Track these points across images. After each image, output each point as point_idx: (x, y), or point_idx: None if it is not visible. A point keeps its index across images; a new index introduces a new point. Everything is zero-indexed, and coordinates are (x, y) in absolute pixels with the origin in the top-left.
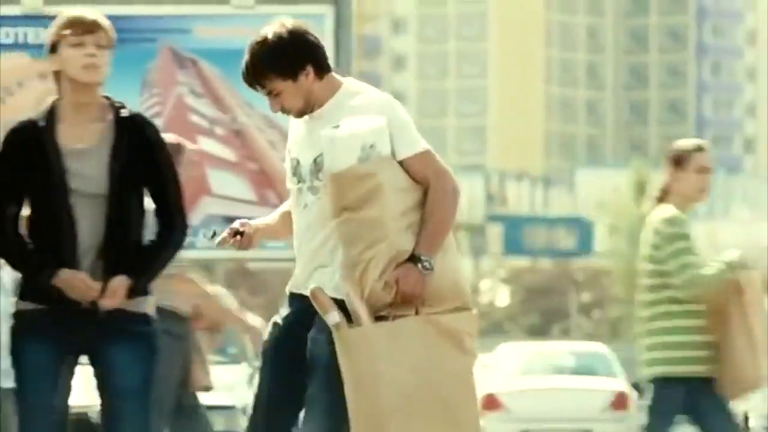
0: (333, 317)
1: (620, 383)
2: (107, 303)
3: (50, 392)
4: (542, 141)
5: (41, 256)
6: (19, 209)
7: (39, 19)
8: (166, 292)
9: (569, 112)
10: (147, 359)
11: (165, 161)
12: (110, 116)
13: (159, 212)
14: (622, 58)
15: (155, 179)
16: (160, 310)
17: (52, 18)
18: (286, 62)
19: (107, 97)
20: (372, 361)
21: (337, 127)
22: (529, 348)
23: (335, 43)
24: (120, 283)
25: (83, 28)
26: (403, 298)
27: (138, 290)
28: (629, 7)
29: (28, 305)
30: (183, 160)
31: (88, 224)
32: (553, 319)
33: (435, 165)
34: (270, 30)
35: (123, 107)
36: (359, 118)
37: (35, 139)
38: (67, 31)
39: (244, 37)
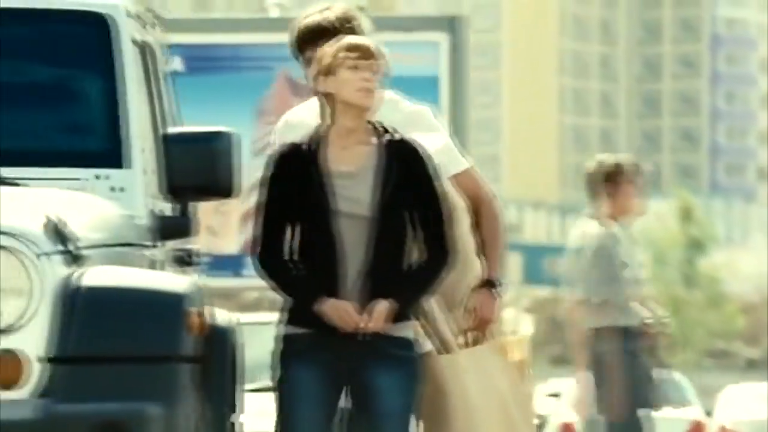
0: (426, 345)
1: (696, 411)
2: (370, 327)
3: (323, 420)
4: (556, 170)
5: (308, 280)
6: (287, 232)
7: None
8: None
9: (582, 141)
10: (410, 384)
11: (433, 186)
12: (377, 140)
13: (427, 237)
14: (636, 87)
15: (423, 204)
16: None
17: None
18: None
19: (373, 123)
20: (464, 389)
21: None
22: None
23: (451, 69)
24: (383, 307)
25: (362, 53)
26: (480, 324)
27: (401, 315)
28: (642, 35)
29: (294, 329)
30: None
31: (355, 247)
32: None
33: (484, 184)
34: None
35: (391, 131)
36: (429, 135)
37: (302, 162)
38: (346, 55)
39: None
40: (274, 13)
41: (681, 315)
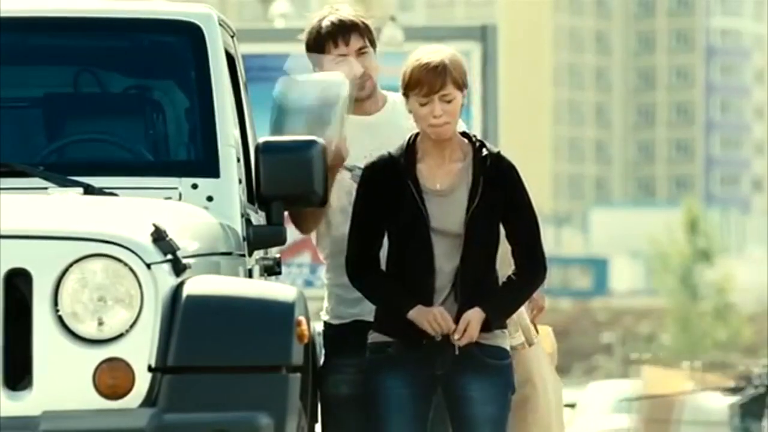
0: (519, 337)
1: None
2: (461, 339)
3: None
4: (551, 180)
5: (400, 290)
6: (380, 246)
7: None
8: None
9: (577, 152)
10: (502, 392)
11: (523, 199)
12: (470, 155)
13: (518, 249)
14: (631, 98)
15: (514, 217)
16: None
17: None
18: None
19: (466, 135)
20: (544, 381)
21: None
22: (618, 386)
23: (482, 79)
24: (472, 317)
25: (429, 88)
26: (536, 314)
27: (492, 325)
28: (637, 46)
29: (380, 337)
30: None
31: (446, 261)
32: (574, 359)
33: None
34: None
35: (483, 145)
36: None
37: (394, 176)
38: (414, 91)
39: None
40: (279, 23)
41: (689, 326)
